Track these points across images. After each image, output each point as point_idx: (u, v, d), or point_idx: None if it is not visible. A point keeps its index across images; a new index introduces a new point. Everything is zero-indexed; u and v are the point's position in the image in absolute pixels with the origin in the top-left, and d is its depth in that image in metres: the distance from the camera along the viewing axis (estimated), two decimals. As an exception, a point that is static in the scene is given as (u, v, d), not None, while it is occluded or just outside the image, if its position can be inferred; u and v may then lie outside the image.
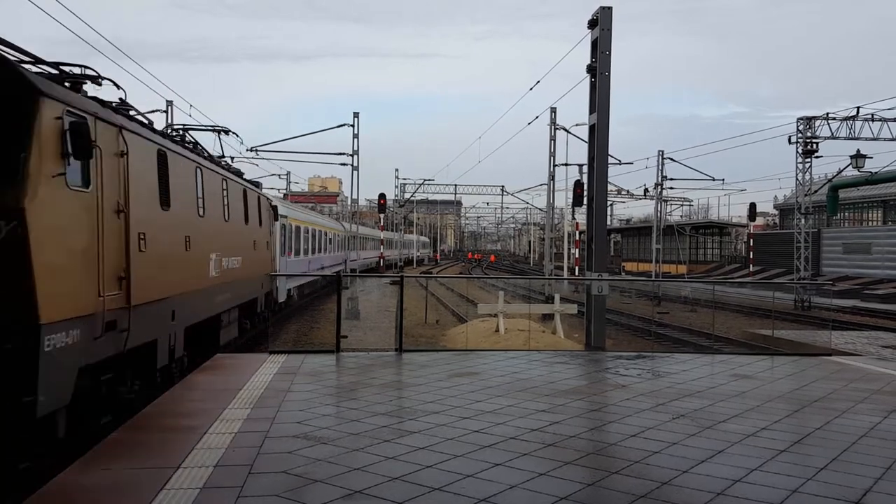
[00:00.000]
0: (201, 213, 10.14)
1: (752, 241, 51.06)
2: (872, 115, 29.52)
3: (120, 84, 8.02)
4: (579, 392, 8.39)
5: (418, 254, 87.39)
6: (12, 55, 6.33)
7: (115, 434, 6.26)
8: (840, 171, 32.75)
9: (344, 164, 32.98)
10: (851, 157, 29.84)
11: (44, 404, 5.52)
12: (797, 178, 31.88)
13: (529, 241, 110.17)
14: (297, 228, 25.23)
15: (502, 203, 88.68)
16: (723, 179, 50.38)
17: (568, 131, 35.38)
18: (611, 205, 68.16)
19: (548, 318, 21.35)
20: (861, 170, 30.23)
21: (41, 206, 5.57)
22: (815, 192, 33.13)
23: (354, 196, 35.13)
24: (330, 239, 34.25)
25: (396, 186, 66.82)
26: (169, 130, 12.51)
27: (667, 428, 6.73)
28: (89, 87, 7.26)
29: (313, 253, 29.18)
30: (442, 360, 10.55)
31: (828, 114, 29.95)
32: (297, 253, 25.38)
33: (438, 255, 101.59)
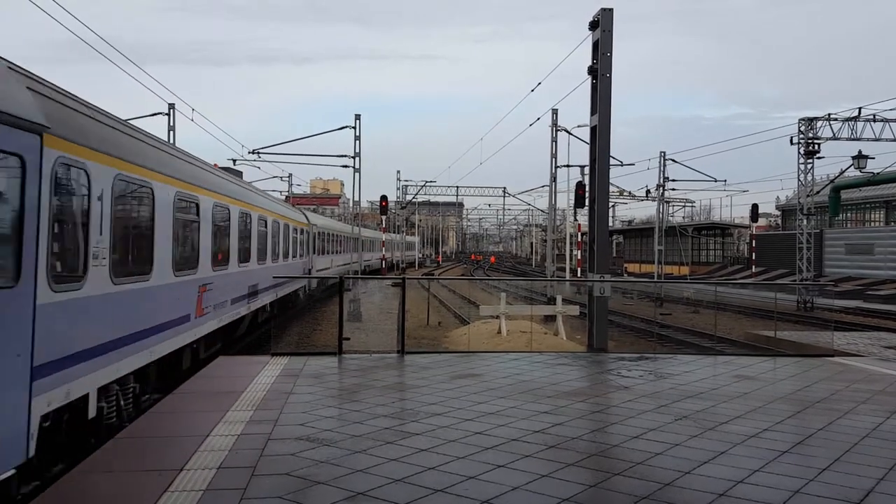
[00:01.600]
0: None
1: (754, 242, 51.06)
2: (874, 115, 29.51)
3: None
4: (581, 393, 8.39)
5: (420, 256, 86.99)
6: None
7: (118, 437, 6.27)
8: (842, 172, 32.74)
9: (346, 167, 32.99)
10: (853, 157, 29.86)
11: None
12: (799, 179, 31.86)
13: (531, 243, 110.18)
14: (158, 196, 9.22)
15: (504, 204, 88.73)
16: (725, 180, 50.62)
17: (569, 133, 35.44)
18: (613, 206, 68.25)
19: (550, 319, 21.34)
20: (863, 170, 30.25)
21: None
22: (818, 192, 33.10)
23: (356, 198, 35.12)
24: (277, 234, 19.00)
25: (398, 188, 66.90)
26: None
27: (669, 429, 6.73)
28: None
29: (222, 263, 12.71)
30: (444, 361, 10.56)
31: (829, 114, 29.96)
32: (144, 271, 8.76)
33: (440, 257, 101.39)
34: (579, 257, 39.15)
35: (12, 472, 5.37)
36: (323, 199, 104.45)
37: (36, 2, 13.49)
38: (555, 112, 35.42)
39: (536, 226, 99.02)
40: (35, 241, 5.77)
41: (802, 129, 30.49)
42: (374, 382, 8.78)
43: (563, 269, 48.03)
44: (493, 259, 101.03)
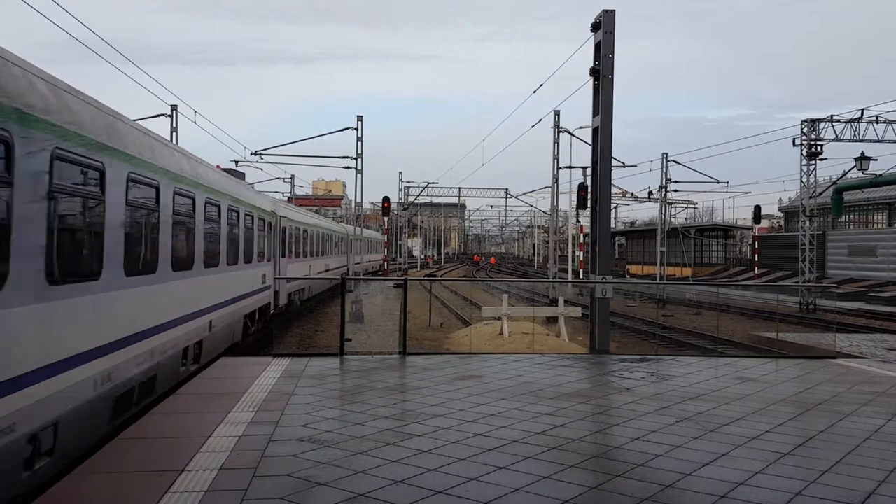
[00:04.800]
0: None
1: (756, 243, 50.96)
2: (877, 117, 29.47)
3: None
4: (583, 395, 8.39)
5: (422, 257, 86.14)
6: None
7: (119, 437, 6.28)
8: (845, 174, 32.72)
9: (348, 168, 33.01)
10: (856, 159, 29.79)
11: None
12: (802, 181, 31.81)
13: (533, 244, 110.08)
14: None
15: (506, 206, 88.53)
16: (727, 182, 50.56)
17: (572, 134, 35.46)
18: (615, 207, 68.16)
19: (552, 321, 21.32)
20: (866, 172, 30.20)
21: None
22: (820, 194, 33.05)
23: (358, 199, 35.13)
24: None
25: (400, 189, 66.81)
26: None
27: (671, 431, 6.73)
28: None
29: None
30: (446, 363, 10.56)
31: (832, 116, 29.92)
32: None
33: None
34: (581, 259, 39.14)
35: None
36: (325, 200, 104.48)
37: (37, 5, 13.52)
38: (557, 114, 35.49)
39: (539, 227, 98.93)
40: None
41: (805, 130, 30.44)
42: (375, 384, 8.79)
43: (566, 271, 48.02)
44: (493, 260, 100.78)
